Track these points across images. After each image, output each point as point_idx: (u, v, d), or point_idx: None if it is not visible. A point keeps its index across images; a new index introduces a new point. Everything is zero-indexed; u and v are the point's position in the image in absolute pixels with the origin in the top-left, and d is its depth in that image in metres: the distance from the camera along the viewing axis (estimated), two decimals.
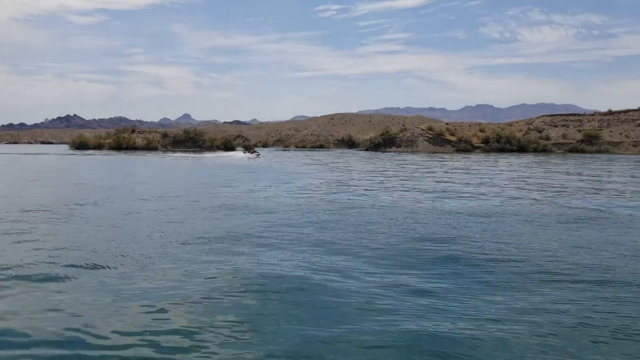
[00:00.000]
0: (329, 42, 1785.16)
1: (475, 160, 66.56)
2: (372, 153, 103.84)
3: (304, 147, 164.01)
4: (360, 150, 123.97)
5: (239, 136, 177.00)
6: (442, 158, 75.30)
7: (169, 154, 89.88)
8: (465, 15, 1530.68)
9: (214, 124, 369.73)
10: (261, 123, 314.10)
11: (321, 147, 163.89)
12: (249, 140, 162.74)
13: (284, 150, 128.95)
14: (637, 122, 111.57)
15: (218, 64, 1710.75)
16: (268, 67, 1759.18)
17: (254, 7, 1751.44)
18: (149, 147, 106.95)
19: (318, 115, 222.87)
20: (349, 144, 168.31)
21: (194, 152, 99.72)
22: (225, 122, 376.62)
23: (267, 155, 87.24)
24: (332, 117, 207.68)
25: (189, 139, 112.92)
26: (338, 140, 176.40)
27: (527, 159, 73.76)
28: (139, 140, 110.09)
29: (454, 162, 62.66)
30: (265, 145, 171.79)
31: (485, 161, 65.44)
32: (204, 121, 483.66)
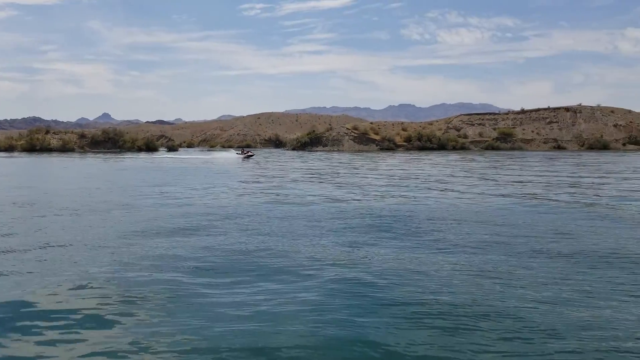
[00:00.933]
0: (254, 41, 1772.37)
1: (417, 157, 68.50)
2: (300, 152, 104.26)
3: (230, 147, 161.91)
4: (288, 149, 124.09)
5: (162, 136, 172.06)
6: (383, 156, 76.84)
7: (89, 155, 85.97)
8: (387, 17, 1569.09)
9: (135, 123, 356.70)
10: (186, 123, 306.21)
11: (248, 146, 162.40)
12: (173, 140, 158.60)
13: (211, 151, 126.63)
14: (547, 120, 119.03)
15: (139, 62, 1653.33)
16: (192, 66, 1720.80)
17: (176, 4, 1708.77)
18: (65, 149, 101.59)
19: (244, 114, 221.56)
20: (276, 143, 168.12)
21: (113, 152, 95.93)
22: (147, 122, 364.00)
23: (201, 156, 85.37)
24: (258, 117, 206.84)
25: (108, 139, 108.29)
26: (265, 140, 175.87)
27: (456, 156, 76.80)
28: (54, 142, 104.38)
29: (396, 159, 64.17)
30: (190, 146, 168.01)
31: (422, 158, 67.55)
32: (124, 121, 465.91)
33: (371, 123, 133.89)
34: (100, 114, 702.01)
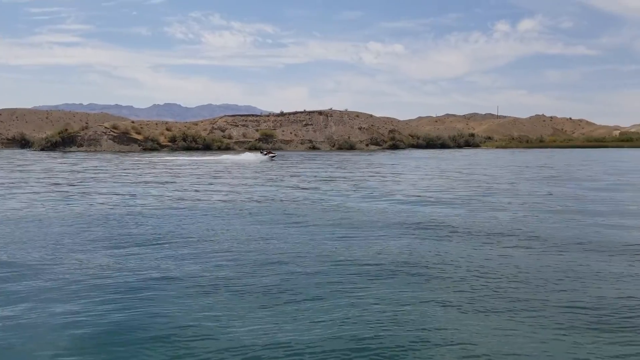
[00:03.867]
0: None
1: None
2: (50, 153, 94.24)
3: None
4: (35, 150, 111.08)
5: None
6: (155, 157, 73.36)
7: None
8: (148, 13, 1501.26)
9: None
10: None
11: None
12: None
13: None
14: (303, 122, 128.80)
15: None
16: None
17: None
18: None
19: None
20: (22, 143, 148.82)
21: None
22: None
23: None
24: None
25: None
26: (8, 140, 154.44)
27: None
28: None
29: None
30: None
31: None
32: None
33: (133, 122, 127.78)
34: None
